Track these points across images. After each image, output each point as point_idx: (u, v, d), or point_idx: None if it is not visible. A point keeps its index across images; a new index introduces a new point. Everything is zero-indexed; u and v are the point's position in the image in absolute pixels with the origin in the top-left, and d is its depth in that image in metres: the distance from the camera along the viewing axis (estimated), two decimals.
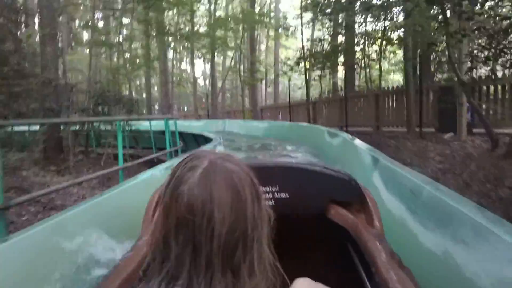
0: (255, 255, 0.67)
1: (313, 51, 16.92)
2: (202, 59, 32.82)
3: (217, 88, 27.12)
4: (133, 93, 34.04)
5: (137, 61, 24.50)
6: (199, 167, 0.68)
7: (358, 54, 15.37)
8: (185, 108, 41.58)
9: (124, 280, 1.04)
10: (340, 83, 20.14)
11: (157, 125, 9.81)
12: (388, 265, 1.00)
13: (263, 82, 32.27)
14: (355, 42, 14.85)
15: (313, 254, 1.46)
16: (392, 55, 18.16)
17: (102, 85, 13.63)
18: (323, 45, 16.29)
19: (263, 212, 0.70)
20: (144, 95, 29.75)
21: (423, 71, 11.25)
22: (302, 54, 16.94)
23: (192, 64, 27.15)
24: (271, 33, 29.13)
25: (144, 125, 10.68)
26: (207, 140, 8.79)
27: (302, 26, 17.80)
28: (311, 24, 19.52)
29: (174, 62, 35.76)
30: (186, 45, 26.81)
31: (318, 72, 17.24)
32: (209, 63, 29.15)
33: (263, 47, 37.80)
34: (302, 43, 17.56)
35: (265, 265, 0.69)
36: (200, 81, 42.44)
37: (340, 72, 18.42)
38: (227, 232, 0.63)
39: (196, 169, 0.67)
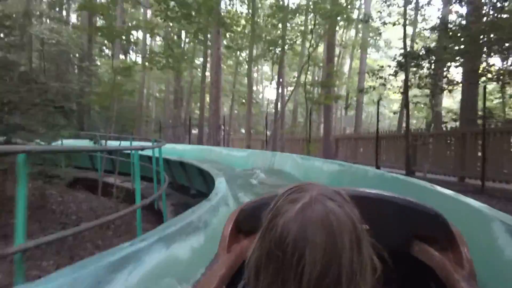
0: None
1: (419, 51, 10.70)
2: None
3: (283, 106, 21.72)
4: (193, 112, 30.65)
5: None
6: (299, 201, 0.66)
7: None
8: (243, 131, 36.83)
9: None
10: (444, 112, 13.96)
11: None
12: None
13: (334, 107, 26.12)
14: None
15: None
16: None
17: None
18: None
19: (365, 261, 0.65)
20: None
21: None
22: (404, 55, 10.91)
23: (249, 72, 21.92)
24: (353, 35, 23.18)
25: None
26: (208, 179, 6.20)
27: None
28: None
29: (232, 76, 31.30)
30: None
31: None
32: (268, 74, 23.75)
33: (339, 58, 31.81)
34: (404, 40, 11.56)
35: None
36: (256, 97, 37.54)
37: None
38: (317, 276, 0.60)
39: (296, 203, 0.65)
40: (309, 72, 22.86)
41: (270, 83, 24.33)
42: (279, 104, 22.01)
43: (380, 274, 0.68)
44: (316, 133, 23.10)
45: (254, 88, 39.53)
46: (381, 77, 12.12)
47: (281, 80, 22.59)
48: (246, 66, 34.50)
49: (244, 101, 28.04)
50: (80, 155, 12.49)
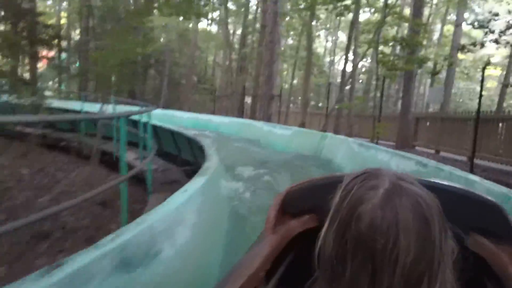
0: None
1: None
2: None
3: (353, 76, 18.10)
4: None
5: None
6: (379, 187, 0.64)
7: None
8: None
9: (247, 279, 1.01)
10: None
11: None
12: None
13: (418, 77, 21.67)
14: None
15: None
16: None
17: None
18: None
19: (449, 243, 0.65)
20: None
21: None
22: None
23: (308, 30, 18.29)
24: None
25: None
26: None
27: None
28: None
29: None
30: None
31: None
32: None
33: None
34: None
35: None
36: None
37: None
38: (412, 261, 0.59)
39: (377, 189, 0.64)
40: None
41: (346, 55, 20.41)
42: (346, 72, 18.36)
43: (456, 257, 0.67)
44: (394, 111, 19.15)
45: (327, 59, 35.59)
46: (491, 31, 8.26)
47: (352, 47, 18.85)
48: (317, 34, 30.87)
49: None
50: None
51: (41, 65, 25.57)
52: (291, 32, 27.88)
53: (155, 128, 7.82)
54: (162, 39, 21.79)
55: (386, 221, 0.60)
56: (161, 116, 14.35)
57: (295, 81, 29.86)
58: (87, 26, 24.17)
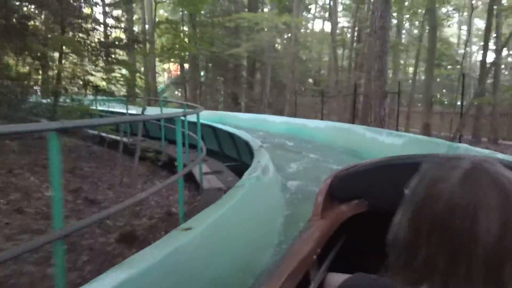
0: None
1: None
2: None
3: (498, 64, 13.92)
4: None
5: None
6: (460, 167, 0.62)
7: None
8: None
9: (299, 262, 1.04)
10: None
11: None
12: None
13: None
14: None
15: None
16: None
17: None
18: None
19: None
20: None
21: None
22: None
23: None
24: None
25: None
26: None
27: None
28: None
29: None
30: None
31: None
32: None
33: None
34: None
35: None
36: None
37: None
38: (493, 243, 0.56)
39: (457, 169, 0.62)
40: None
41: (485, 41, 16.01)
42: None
43: None
44: None
45: (461, 50, 29.98)
46: None
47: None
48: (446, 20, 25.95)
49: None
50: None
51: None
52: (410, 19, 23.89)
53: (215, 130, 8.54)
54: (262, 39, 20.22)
55: (464, 199, 0.58)
56: (251, 121, 12.58)
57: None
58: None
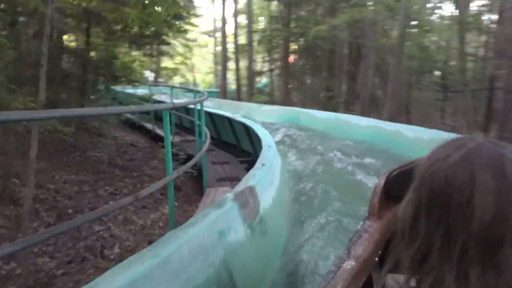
0: None
1: None
2: None
3: None
4: None
5: None
6: (464, 147, 0.63)
7: None
8: None
9: (360, 265, 1.02)
10: None
11: None
12: None
13: None
14: None
15: None
16: None
17: None
18: None
19: None
20: None
21: None
22: None
23: None
24: None
25: None
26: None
27: None
28: None
29: None
30: None
31: None
32: None
33: None
34: None
35: None
36: None
37: None
38: (488, 223, 0.56)
39: (460, 149, 0.63)
40: None
41: None
42: None
43: None
44: None
45: None
46: None
47: None
48: None
49: None
50: None
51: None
52: None
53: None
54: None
55: (460, 178, 0.59)
56: (329, 123, 9.44)
57: None
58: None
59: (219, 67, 30.14)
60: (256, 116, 12.27)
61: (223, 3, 24.40)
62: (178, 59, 34.86)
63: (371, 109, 16.66)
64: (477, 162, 0.59)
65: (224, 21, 24.39)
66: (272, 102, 20.49)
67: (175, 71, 33.72)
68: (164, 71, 33.26)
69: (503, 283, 0.56)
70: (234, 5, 24.70)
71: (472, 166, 0.59)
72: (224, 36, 24.29)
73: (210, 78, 39.41)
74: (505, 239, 0.56)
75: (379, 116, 17.33)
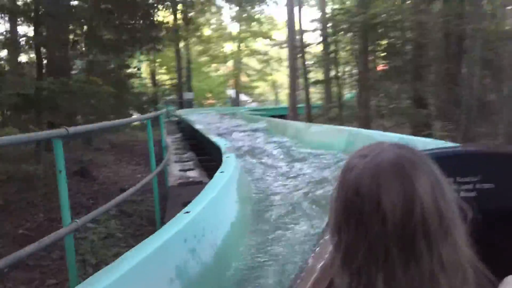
0: (443, 251, 0.60)
1: None
2: None
3: None
4: None
5: None
6: (370, 154, 0.65)
7: None
8: None
9: (316, 281, 1.04)
10: None
11: None
12: None
13: None
14: None
15: None
16: None
17: None
18: None
19: (451, 205, 0.63)
20: None
21: None
22: None
23: None
24: None
25: None
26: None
27: None
28: None
29: None
30: None
31: None
32: None
33: None
34: None
35: (461, 264, 0.61)
36: None
37: None
38: (400, 221, 0.59)
39: (366, 157, 0.65)
40: None
41: None
42: None
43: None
44: None
45: None
46: None
47: None
48: None
49: None
50: None
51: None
52: None
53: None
54: None
55: (367, 185, 0.61)
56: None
57: None
58: None
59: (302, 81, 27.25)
60: (303, 139, 8.99)
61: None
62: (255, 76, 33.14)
63: (480, 120, 11.79)
64: (379, 165, 0.62)
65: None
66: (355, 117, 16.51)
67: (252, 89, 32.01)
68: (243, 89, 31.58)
69: (425, 271, 0.58)
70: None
71: (376, 172, 0.61)
72: (291, 48, 21.05)
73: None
74: (416, 231, 0.58)
75: (493, 129, 12.41)
